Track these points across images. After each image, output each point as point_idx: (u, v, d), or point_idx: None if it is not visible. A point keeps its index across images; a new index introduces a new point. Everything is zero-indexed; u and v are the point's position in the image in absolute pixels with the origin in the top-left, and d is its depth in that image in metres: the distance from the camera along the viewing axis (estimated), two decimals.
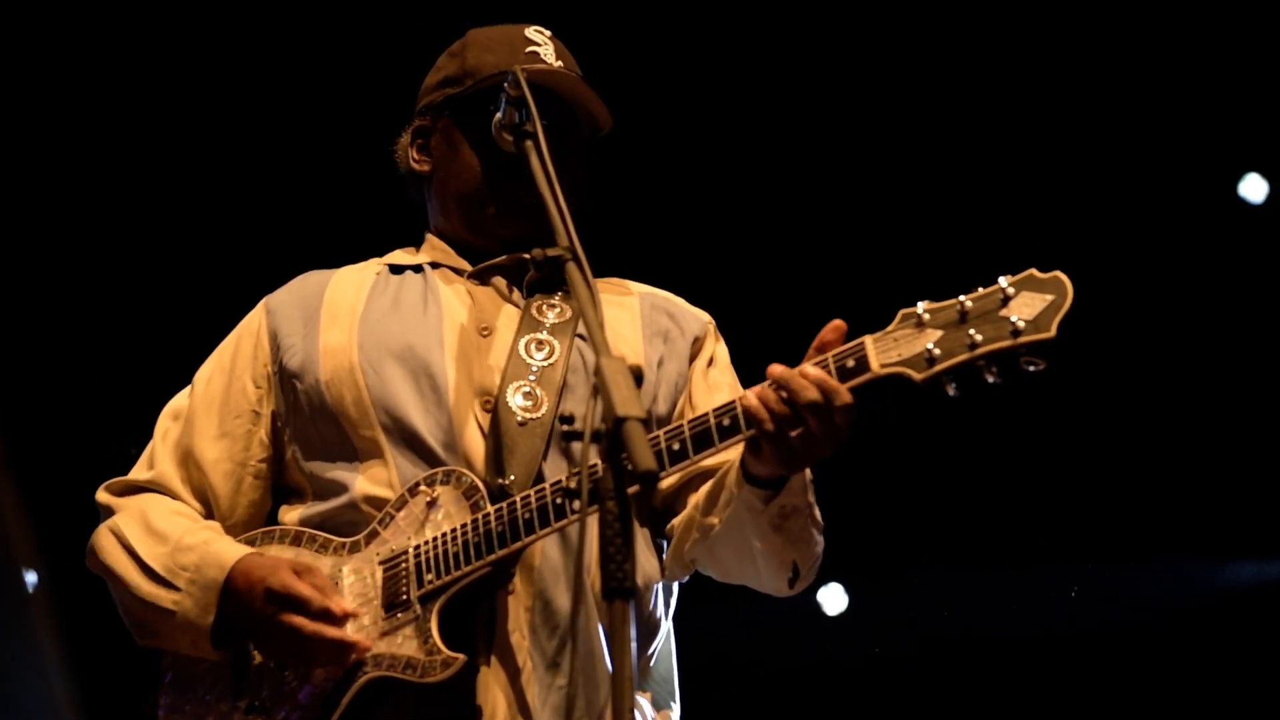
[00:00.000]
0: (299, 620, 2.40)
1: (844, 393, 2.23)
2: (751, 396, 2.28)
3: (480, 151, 2.72)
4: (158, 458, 2.73)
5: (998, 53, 5.57)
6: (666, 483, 2.64)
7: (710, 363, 2.77)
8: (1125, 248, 5.64)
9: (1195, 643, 6.35)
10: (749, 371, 2.48)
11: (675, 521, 2.65)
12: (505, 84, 2.43)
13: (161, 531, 2.59)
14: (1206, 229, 5.90)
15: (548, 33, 2.81)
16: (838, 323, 2.29)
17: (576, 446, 2.40)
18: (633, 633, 1.78)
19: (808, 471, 2.42)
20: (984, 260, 2.29)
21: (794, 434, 2.25)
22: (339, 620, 2.42)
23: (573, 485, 2.34)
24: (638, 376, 1.89)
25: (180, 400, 2.79)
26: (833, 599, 6.70)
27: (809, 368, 2.24)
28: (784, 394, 2.24)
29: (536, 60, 2.72)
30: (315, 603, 2.41)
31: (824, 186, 5.80)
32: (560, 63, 2.76)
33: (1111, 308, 5.62)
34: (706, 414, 2.32)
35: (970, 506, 6.38)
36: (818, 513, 2.52)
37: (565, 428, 1.99)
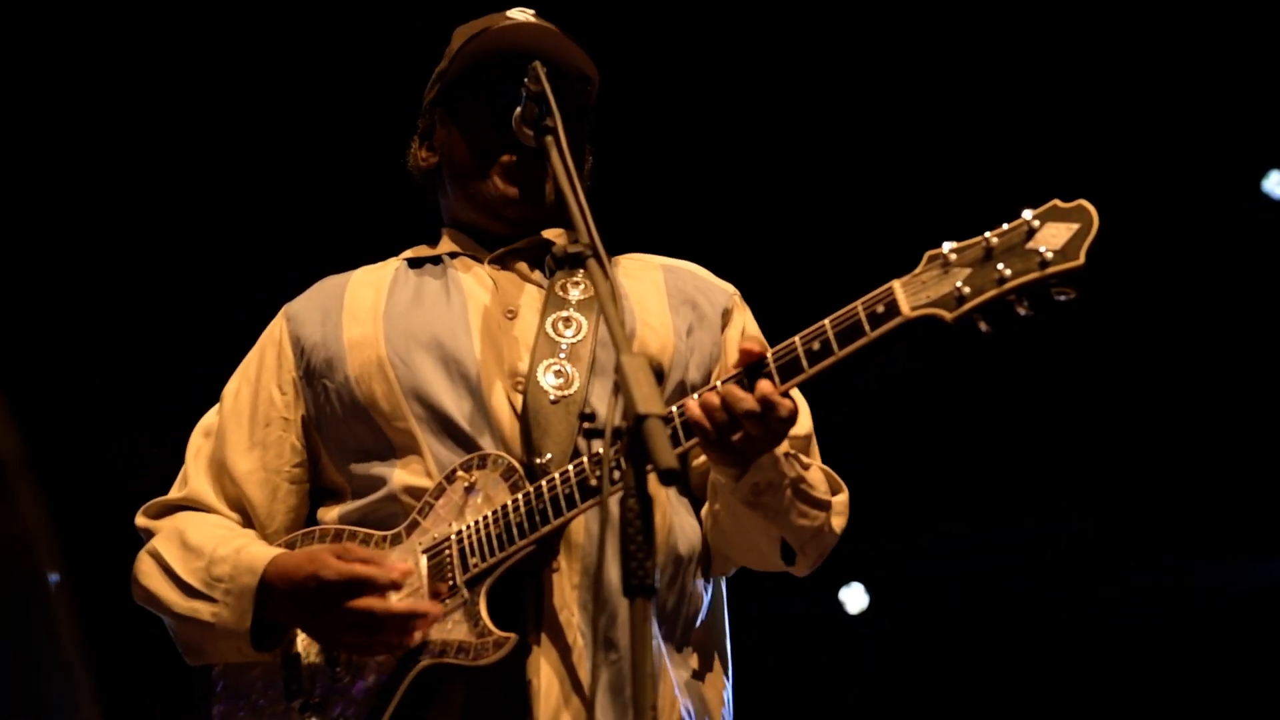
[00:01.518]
0: (369, 601, 2.39)
1: (786, 405, 2.26)
2: (693, 406, 2.30)
3: (470, 123, 2.73)
4: (191, 475, 2.73)
5: (1027, 42, 5.56)
6: (698, 462, 2.64)
7: (742, 334, 2.76)
8: (1150, 245, 5.62)
9: (1215, 643, 6.33)
10: (774, 328, 2.47)
11: (702, 512, 2.65)
12: (525, 79, 2.42)
13: (197, 546, 2.58)
14: (1232, 225, 5.88)
15: (531, 10, 2.81)
16: (751, 346, 2.31)
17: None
18: (655, 629, 1.77)
19: (782, 446, 2.40)
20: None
21: (734, 438, 2.28)
22: (402, 586, 2.42)
23: (595, 483, 2.34)
24: (659, 373, 1.88)
25: (210, 417, 2.79)
26: (854, 598, 6.70)
27: (764, 383, 2.26)
28: (724, 404, 2.27)
29: (507, 21, 2.75)
30: (379, 578, 2.40)
31: (843, 140, 5.80)
32: (534, 20, 2.77)
33: (1137, 304, 5.61)
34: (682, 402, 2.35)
35: (994, 505, 6.37)
36: (812, 487, 2.50)
37: (587, 425, 1.97)
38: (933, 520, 6.44)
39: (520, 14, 2.79)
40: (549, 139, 2.37)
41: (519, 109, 2.47)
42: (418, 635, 2.40)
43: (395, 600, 2.40)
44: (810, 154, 5.80)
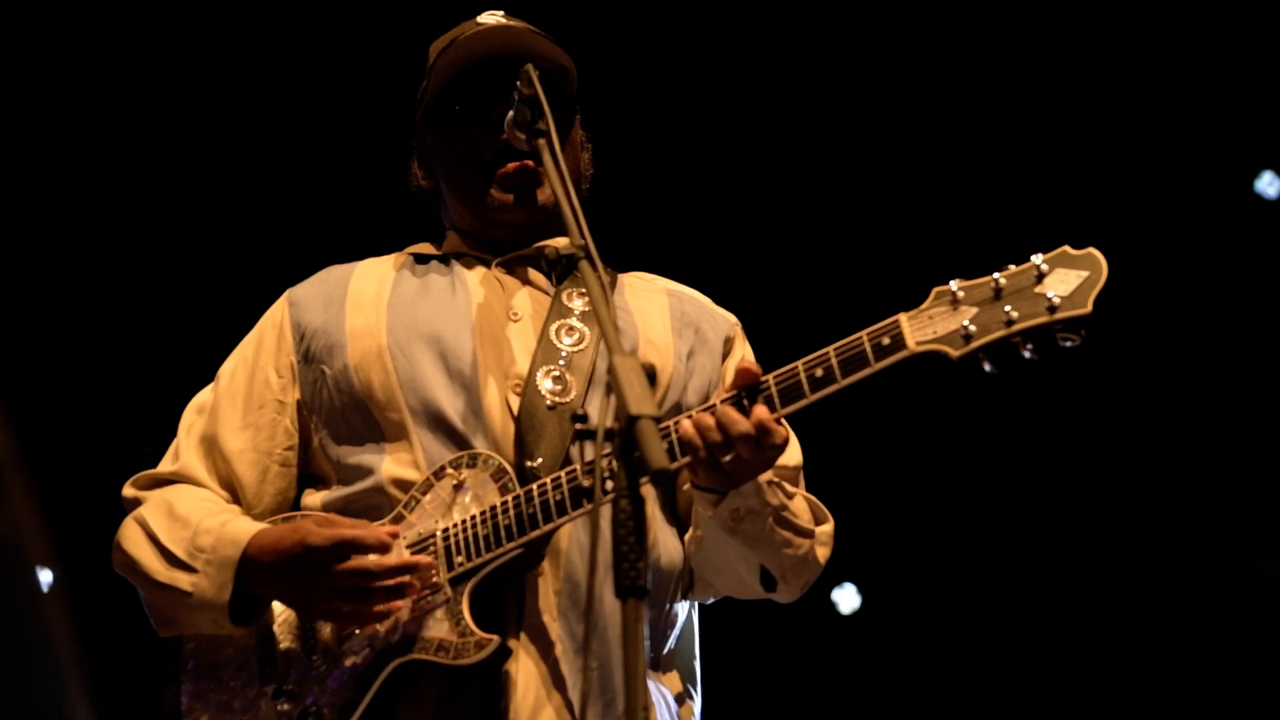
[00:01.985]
0: (361, 561, 2.38)
1: (780, 432, 2.27)
2: (687, 425, 2.29)
3: (458, 140, 2.73)
4: (182, 450, 2.73)
5: (1019, 46, 5.56)
6: (687, 487, 2.64)
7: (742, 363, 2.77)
8: (1142, 244, 5.62)
9: (1204, 644, 6.32)
10: (779, 357, 2.48)
11: (686, 537, 2.65)
12: (518, 83, 2.43)
13: (184, 516, 2.58)
14: (1223, 225, 5.88)
15: (501, 11, 2.81)
16: (746, 367, 2.32)
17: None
18: (646, 630, 1.77)
19: (765, 474, 2.41)
20: (1001, 257, 2.28)
21: (724, 459, 2.28)
22: (390, 546, 2.41)
23: (589, 484, 2.35)
24: (651, 375, 1.88)
25: (204, 395, 2.79)
26: (846, 599, 6.70)
27: (760, 408, 2.26)
28: (719, 425, 2.27)
29: (478, 28, 2.74)
30: (367, 539, 2.39)
31: (848, 175, 5.80)
32: (503, 21, 2.77)
33: (1129, 306, 5.60)
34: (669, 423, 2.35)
35: (984, 505, 6.37)
36: (795, 515, 2.51)
37: (579, 426, 1.98)
38: (926, 523, 6.44)
39: (490, 17, 2.79)
40: (541, 141, 2.38)
41: (511, 112, 2.47)
42: (404, 608, 2.39)
43: (389, 556, 2.39)
44: (821, 188, 5.81)
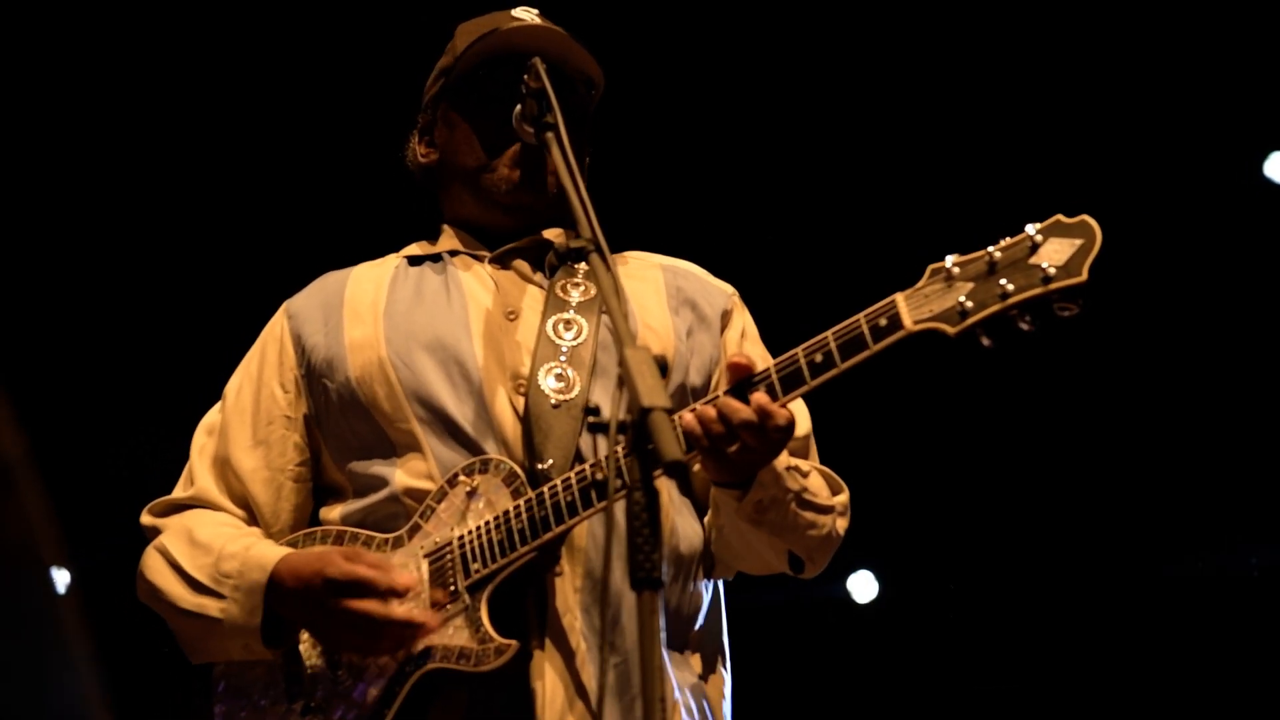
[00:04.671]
0: (369, 604, 2.39)
1: (782, 414, 2.26)
2: (689, 417, 2.29)
3: (477, 120, 2.73)
4: (196, 474, 2.73)
5: (1025, 25, 5.55)
6: (698, 466, 2.63)
7: (742, 335, 2.77)
8: (1151, 228, 5.61)
9: (1213, 635, 6.32)
10: (776, 337, 2.46)
11: (705, 520, 2.66)
12: (525, 76, 2.43)
13: (205, 543, 2.59)
14: (1232, 208, 5.87)
15: (535, 10, 2.81)
16: (738, 361, 2.31)
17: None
18: (662, 622, 1.77)
19: (782, 459, 2.42)
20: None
21: (730, 450, 2.28)
22: (403, 596, 2.42)
23: (601, 477, 2.35)
24: (662, 366, 1.88)
25: (213, 415, 2.79)
26: (863, 586, 6.71)
27: (759, 395, 2.26)
28: (720, 416, 2.27)
29: (517, 22, 2.75)
30: (380, 583, 2.40)
31: (841, 153, 5.80)
32: (545, 23, 2.77)
33: (1137, 288, 5.60)
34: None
35: (999, 494, 6.37)
36: (815, 495, 2.52)
37: (591, 419, 1.97)
38: (941, 513, 6.43)
39: (525, 14, 2.79)
40: (549, 135, 2.38)
41: (519, 106, 2.49)
42: (416, 644, 2.41)
43: (395, 606, 2.40)
44: (813, 164, 5.80)
